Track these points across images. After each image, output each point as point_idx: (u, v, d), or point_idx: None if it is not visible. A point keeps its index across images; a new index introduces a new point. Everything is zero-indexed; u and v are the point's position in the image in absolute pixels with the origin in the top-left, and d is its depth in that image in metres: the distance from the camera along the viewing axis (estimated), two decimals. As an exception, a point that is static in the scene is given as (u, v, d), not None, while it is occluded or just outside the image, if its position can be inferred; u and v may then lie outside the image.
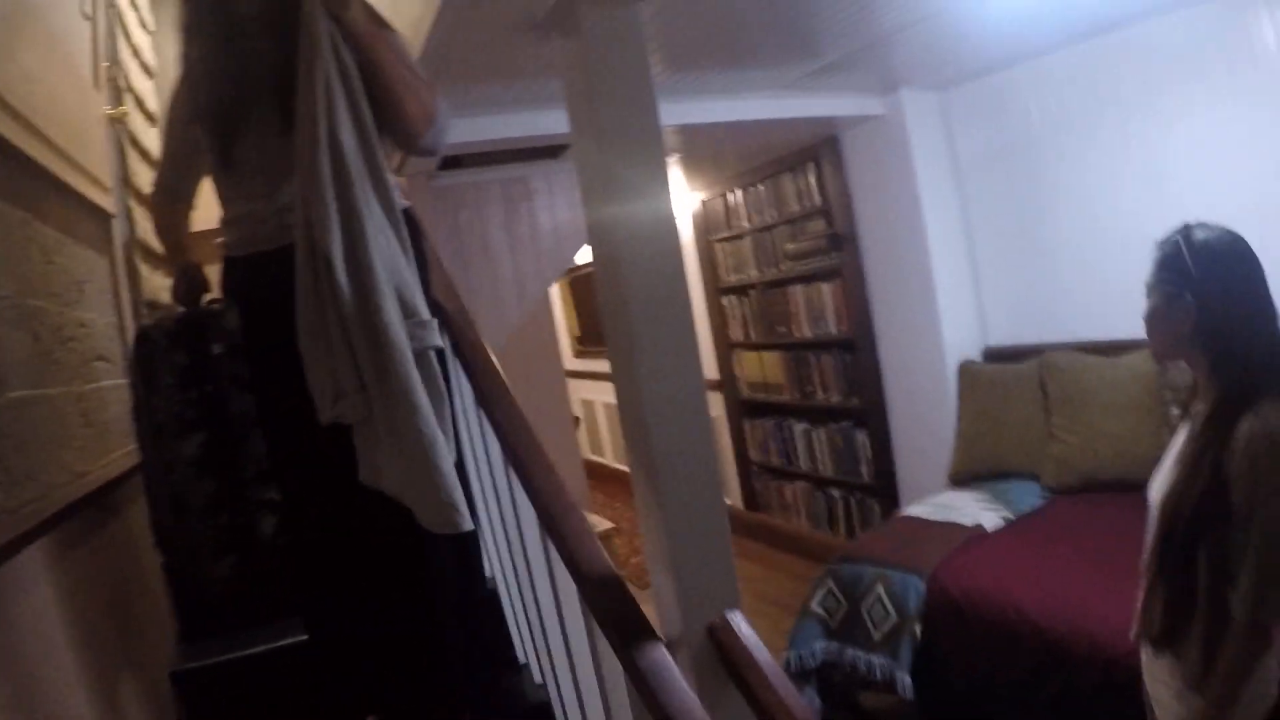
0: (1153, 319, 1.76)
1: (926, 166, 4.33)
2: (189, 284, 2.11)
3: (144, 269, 2.67)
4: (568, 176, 4.43)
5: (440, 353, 1.79)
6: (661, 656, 1.44)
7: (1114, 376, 3.56)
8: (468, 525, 1.67)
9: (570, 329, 8.95)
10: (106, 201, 2.43)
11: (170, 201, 2.13)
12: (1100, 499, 3.45)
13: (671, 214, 1.93)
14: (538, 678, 2.29)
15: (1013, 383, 4.01)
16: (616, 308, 1.61)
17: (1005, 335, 4.39)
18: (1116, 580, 2.63)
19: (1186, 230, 1.73)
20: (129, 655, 2.02)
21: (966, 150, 4.39)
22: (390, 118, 1.80)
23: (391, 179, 1.79)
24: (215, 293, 2.12)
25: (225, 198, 1.94)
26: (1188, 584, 1.65)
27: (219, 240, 1.95)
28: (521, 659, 2.41)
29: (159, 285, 2.82)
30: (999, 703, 2.81)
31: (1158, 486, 1.78)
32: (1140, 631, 1.80)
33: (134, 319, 2.54)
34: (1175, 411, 1.89)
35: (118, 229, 2.54)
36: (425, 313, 1.74)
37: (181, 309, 2.13)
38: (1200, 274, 1.68)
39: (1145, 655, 1.82)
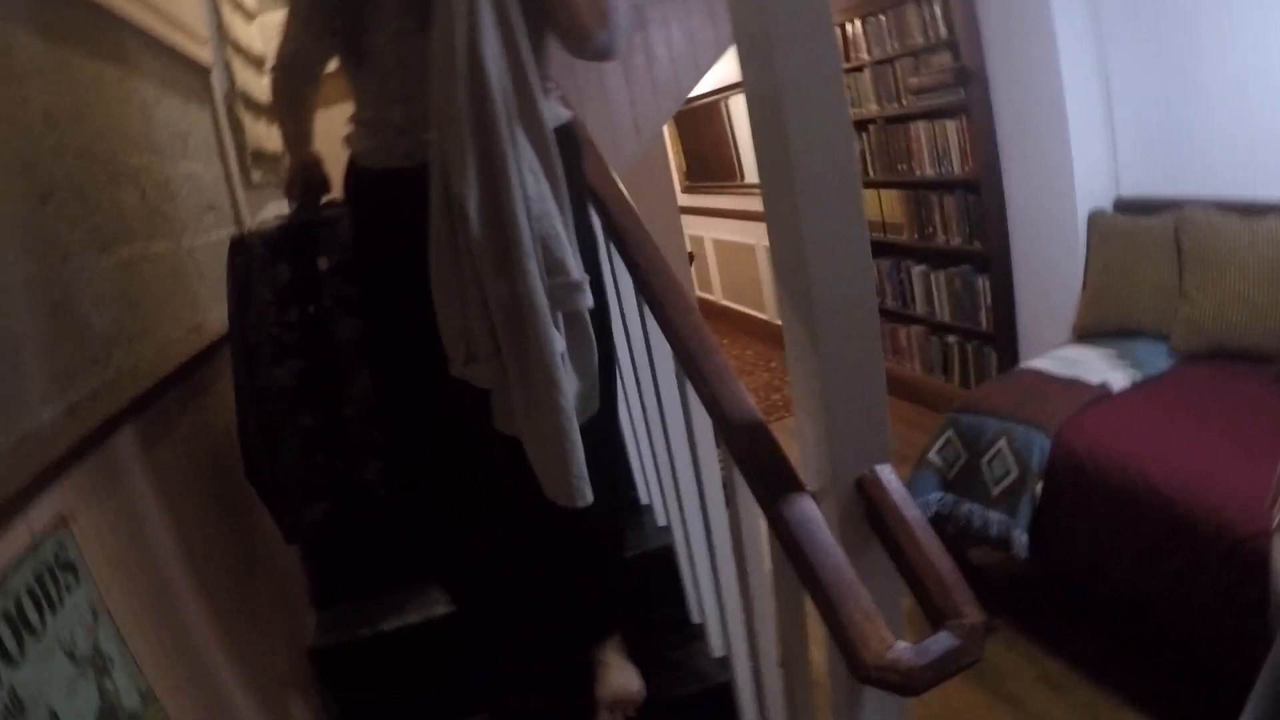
0: None
1: (1064, -1, 3.99)
2: (307, 183, 1.95)
3: (246, 119, 2.65)
4: (682, 3, 4.22)
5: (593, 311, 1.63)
6: (810, 508, 1.40)
7: (1253, 240, 3.31)
8: (589, 499, 1.57)
9: (678, 164, 8.79)
10: (204, 54, 2.40)
11: (293, 79, 1.87)
12: (1231, 367, 3.27)
13: (832, 31, 1.73)
14: (661, 520, 2.29)
15: (1145, 237, 3.78)
16: (772, 135, 1.49)
17: (1140, 185, 4.11)
18: (1248, 455, 2.54)
19: None
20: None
21: (1110, -21, 4.02)
22: (553, 15, 1.57)
23: (548, 93, 1.60)
24: (336, 194, 1.92)
25: (357, 93, 1.74)
26: None
27: (346, 137, 1.77)
28: (644, 500, 2.41)
29: (262, 134, 2.80)
30: (1118, 571, 2.74)
31: None
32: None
33: (239, 169, 2.53)
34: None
35: (216, 81, 2.52)
36: (575, 271, 1.56)
37: (294, 212, 1.97)
38: None
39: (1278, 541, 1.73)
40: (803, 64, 1.57)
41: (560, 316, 1.55)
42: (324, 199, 1.96)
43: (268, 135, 2.85)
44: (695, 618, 2.20)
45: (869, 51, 5.35)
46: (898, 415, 5.25)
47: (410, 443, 1.82)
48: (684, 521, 2.02)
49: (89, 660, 1.07)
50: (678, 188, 8.67)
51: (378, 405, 1.87)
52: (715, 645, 2.10)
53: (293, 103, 1.91)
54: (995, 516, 3.06)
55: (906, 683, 1.24)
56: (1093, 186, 4.16)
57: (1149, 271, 3.72)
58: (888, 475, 1.63)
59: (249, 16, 3.02)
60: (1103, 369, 3.42)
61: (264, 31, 3.10)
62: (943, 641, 1.30)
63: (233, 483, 1.95)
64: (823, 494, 1.67)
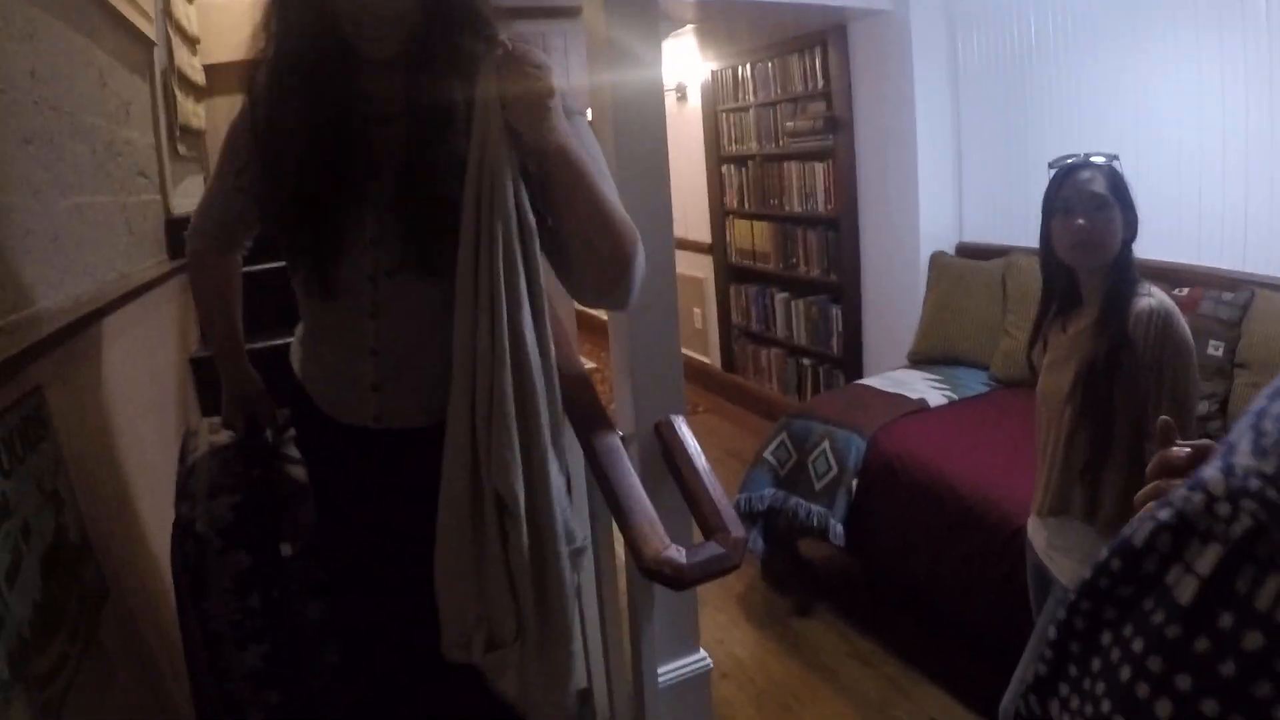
0: (1107, 230, 1.98)
1: (925, 65, 4.49)
2: (249, 420, 1.83)
3: (179, 95, 2.88)
4: (583, 37, 4.56)
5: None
6: (615, 442, 1.81)
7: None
8: None
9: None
10: (150, 29, 2.61)
11: (214, 249, 1.74)
12: (1040, 395, 3.74)
13: (660, 85, 2.19)
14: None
15: (977, 277, 4.27)
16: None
17: (979, 233, 4.62)
18: (1033, 462, 2.94)
19: (1109, 157, 2.02)
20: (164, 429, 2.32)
21: (966, 57, 4.54)
22: (572, 266, 1.46)
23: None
24: (277, 403, 1.83)
25: (313, 322, 1.57)
26: (1108, 416, 1.95)
27: (296, 361, 1.63)
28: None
29: (190, 111, 3.05)
30: (918, 555, 3.15)
31: (1051, 380, 2.09)
32: (1040, 507, 2.11)
33: (168, 141, 2.77)
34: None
35: (158, 56, 2.74)
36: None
37: (240, 452, 1.84)
38: (1127, 194, 1.99)
39: (1045, 530, 2.11)
40: (634, 124, 2.05)
41: None
42: (270, 432, 1.86)
43: (194, 113, 3.09)
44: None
45: (755, 94, 5.75)
46: (752, 428, 5.65)
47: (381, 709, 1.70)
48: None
49: (51, 496, 1.38)
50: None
51: (346, 672, 1.78)
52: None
53: (216, 279, 1.77)
54: (817, 509, 3.46)
55: (677, 576, 1.66)
56: (937, 230, 4.65)
57: (978, 307, 4.21)
58: (680, 424, 2.06)
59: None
60: (924, 388, 3.88)
61: (200, 12, 3.31)
62: (709, 549, 1.72)
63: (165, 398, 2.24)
64: (630, 438, 2.09)
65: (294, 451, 1.81)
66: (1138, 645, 0.40)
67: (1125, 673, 0.40)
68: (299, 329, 1.63)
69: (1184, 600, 0.38)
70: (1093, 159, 2.01)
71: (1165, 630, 0.39)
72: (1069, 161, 2.03)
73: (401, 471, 1.50)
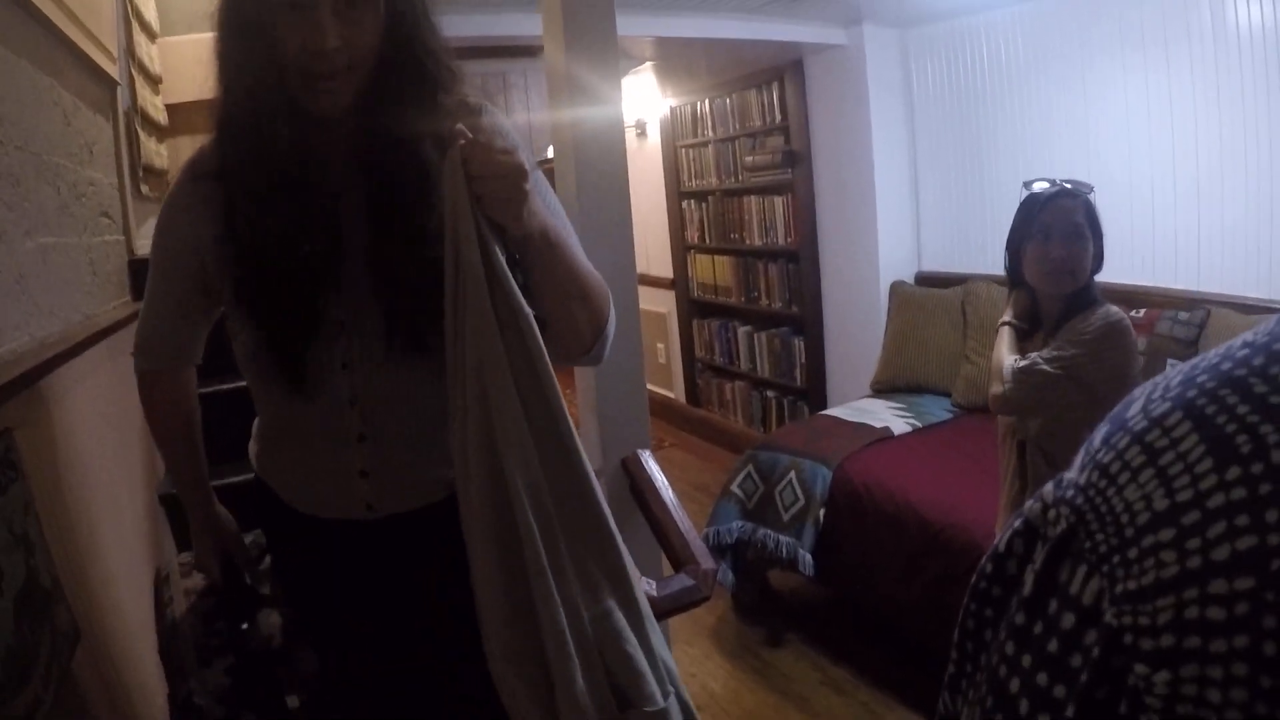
0: (1082, 261, 2.04)
1: (881, 99, 4.58)
2: (225, 562, 1.67)
3: (141, 135, 2.88)
4: (543, 75, 4.62)
5: None
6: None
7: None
8: None
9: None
10: (113, 69, 2.61)
11: (168, 367, 1.56)
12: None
13: (621, 122, 2.22)
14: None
15: (937, 306, 4.34)
16: (566, 201, 1.91)
17: (937, 262, 4.70)
18: (997, 487, 2.99)
19: (1087, 189, 2.07)
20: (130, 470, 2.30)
21: (920, 88, 4.64)
22: (550, 337, 1.29)
23: None
24: (259, 551, 1.72)
25: (270, 415, 1.45)
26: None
27: (256, 458, 1.50)
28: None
29: (152, 150, 3.04)
30: (887, 581, 3.17)
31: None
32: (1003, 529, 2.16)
33: (131, 181, 2.76)
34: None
35: (121, 96, 2.74)
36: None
37: (208, 584, 1.73)
38: (1099, 226, 2.05)
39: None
40: (596, 161, 2.09)
41: None
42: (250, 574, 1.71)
43: (157, 152, 3.08)
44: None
45: (714, 130, 5.82)
46: (718, 461, 5.67)
47: None
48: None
49: (21, 540, 1.37)
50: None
51: None
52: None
53: (170, 393, 1.58)
54: (785, 540, 3.47)
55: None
56: (896, 260, 4.73)
57: (938, 335, 4.28)
58: (646, 458, 2.08)
59: (152, 36, 3.20)
60: (888, 416, 3.92)
61: (163, 52, 3.30)
62: (679, 581, 1.73)
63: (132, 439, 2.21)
64: (598, 473, 2.11)
65: (271, 587, 1.70)
66: (1001, 634, 0.47)
67: (994, 659, 0.47)
68: (257, 423, 1.50)
69: (1026, 592, 0.46)
70: (1069, 187, 2.05)
71: (1015, 618, 0.46)
72: (1050, 188, 2.06)
73: (402, 563, 1.40)
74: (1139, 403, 0.45)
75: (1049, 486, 0.47)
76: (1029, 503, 0.48)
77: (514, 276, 1.19)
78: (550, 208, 1.29)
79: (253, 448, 1.51)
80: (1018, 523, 0.48)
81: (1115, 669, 0.40)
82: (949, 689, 0.55)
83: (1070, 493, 0.45)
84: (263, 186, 1.24)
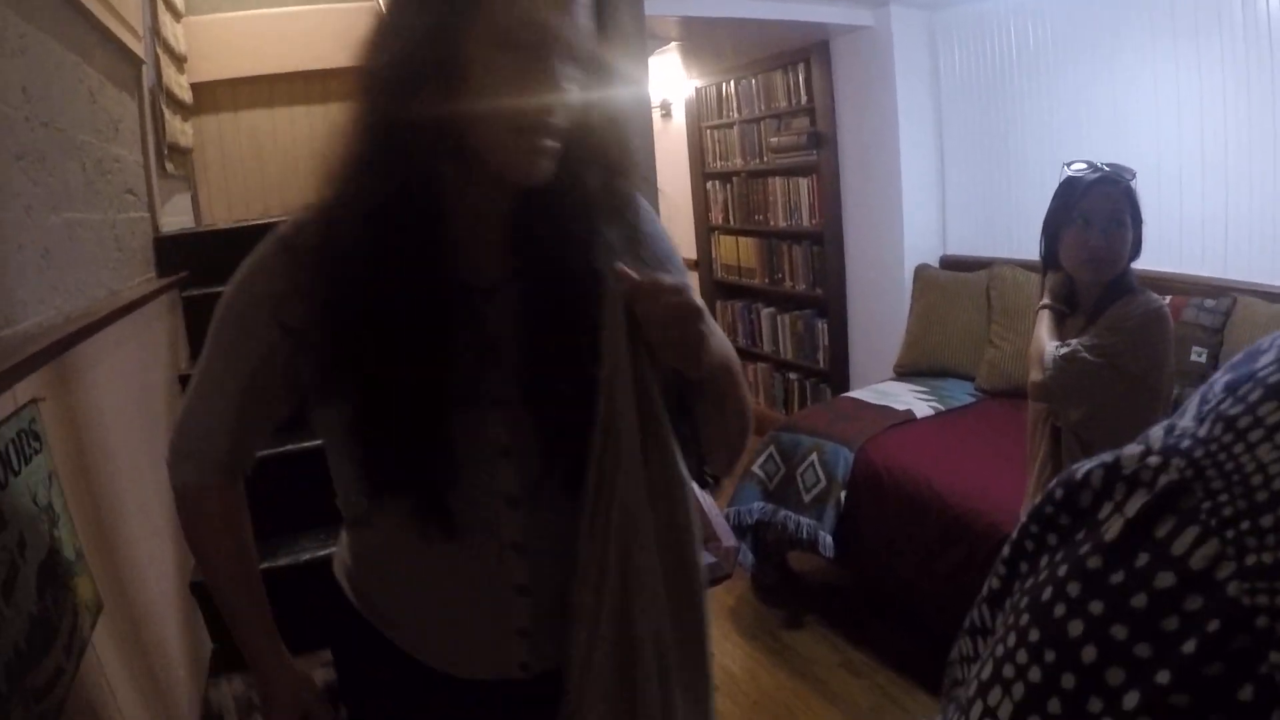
0: (1122, 246, 2.02)
1: (907, 81, 4.53)
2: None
3: (167, 114, 2.90)
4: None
5: None
6: None
7: (1051, 293, 3.86)
8: None
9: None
10: (138, 47, 2.64)
11: (221, 481, 1.20)
12: (1024, 403, 3.73)
13: (648, 103, 2.21)
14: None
15: (961, 289, 4.31)
16: None
17: (962, 246, 4.67)
18: (1020, 471, 2.96)
19: (1130, 175, 2.03)
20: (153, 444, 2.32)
21: (947, 71, 4.59)
22: (712, 449, 1.18)
23: None
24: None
25: (413, 548, 1.09)
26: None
27: (350, 581, 1.21)
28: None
29: (178, 129, 3.07)
30: (907, 565, 3.16)
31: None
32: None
33: (156, 159, 2.79)
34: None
35: (147, 74, 2.76)
36: None
37: None
38: (1139, 213, 2.03)
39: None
40: None
41: None
42: None
43: (182, 131, 3.11)
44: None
45: (739, 111, 5.78)
46: (741, 443, 5.66)
47: None
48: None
49: (45, 510, 1.38)
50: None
51: None
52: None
53: (226, 538, 1.23)
54: (806, 521, 3.47)
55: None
56: (921, 244, 4.69)
57: (963, 319, 4.25)
58: None
59: (178, 16, 3.23)
60: (911, 399, 3.90)
61: (188, 31, 3.33)
62: (703, 559, 1.72)
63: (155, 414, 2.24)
64: None
65: None
66: (1062, 571, 0.43)
67: (1047, 593, 0.43)
68: (351, 541, 1.22)
69: (1109, 537, 0.42)
70: (1110, 173, 2.02)
71: (1087, 561, 0.42)
72: (1091, 173, 2.02)
73: None
74: (1270, 353, 0.41)
75: (1157, 430, 0.43)
76: (1127, 447, 0.44)
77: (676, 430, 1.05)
78: (712, 329, 1.03)
79: (348, 570, 1.22)
80: (1107, 456, 0.44)
81: (1237, 650, 0.36)
82: (990, 603, 0.51)
83: (1187, 443, 0.41)
84: (398, 289, 0.99)
